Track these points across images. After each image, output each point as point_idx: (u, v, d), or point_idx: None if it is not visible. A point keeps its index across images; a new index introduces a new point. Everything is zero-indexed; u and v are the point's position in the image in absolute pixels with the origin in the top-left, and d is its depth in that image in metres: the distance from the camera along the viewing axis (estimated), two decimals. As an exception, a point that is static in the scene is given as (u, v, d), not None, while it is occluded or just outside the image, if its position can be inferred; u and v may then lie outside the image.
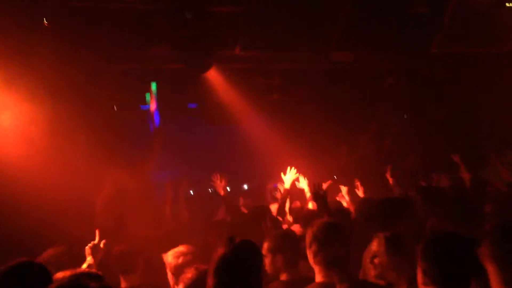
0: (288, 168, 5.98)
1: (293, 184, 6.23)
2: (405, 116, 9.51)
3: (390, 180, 6.43)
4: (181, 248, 3.88)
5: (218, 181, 5.78)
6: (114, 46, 5.89)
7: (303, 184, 6.30)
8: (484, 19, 5.80)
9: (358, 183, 6.43)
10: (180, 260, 3.75)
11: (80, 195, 5.72)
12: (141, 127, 8.26)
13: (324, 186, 6.66)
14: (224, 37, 5.61)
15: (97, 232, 3.71)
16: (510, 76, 7.59)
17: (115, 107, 7.23)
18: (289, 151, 8.44)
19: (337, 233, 3.10)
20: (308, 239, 3.08)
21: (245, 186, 9.25)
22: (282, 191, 6.26)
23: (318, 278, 3.02)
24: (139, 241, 4.46)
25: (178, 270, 3.62)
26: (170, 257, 3.80)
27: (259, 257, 2.71)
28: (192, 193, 8.84)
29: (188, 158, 8.75)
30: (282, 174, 6.02)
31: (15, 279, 2.51)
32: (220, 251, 2.64)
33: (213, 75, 6.90)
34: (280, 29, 5.73)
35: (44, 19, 4.79)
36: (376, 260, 3.08)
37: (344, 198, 6.72)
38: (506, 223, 2.25)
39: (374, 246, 3.20)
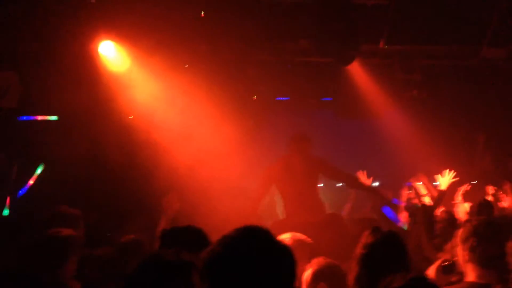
0: (447, 171, 5.81)
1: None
2: None
3: None
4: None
5: (365, 178, 5.82)
6: (259, 38, 6.13)
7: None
8: None
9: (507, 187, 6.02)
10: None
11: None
12: (276, 118, 8.51)
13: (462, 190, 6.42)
14: (369, 31, 5.54)
15: None
16: None
17: (255, 97, 7.51)
18: (425, 150, 8.10)
19: (497, 231, 3.00)
20: (465, 234, 3.00)
21: (377, 183, 9.04)
22: (419, 190, 6.16)
23: (471, 277, 2.91)
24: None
25: None
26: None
27: (405, 246, 2.71)
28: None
29: (319, 150, 8.77)
30: (439, 176, 5.89)
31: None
32: (366, 240, 2.70)
33: (352, 69, 6.86)
34: (427, 22, 5.50)
35: (202, 12, 5.14)
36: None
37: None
38: None
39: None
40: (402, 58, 6.91)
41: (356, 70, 6.84)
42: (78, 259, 3.61)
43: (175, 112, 6.37)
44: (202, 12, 5.27)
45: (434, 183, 6.47)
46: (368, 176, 6.19)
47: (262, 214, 6.93)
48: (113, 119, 6.23)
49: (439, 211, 5.90)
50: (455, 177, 5.85)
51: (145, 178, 6.35)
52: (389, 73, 7.25)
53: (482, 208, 5.15)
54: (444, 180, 5.81)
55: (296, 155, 6.68)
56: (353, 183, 6.59)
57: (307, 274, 3.10)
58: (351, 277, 2.76)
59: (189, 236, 2.79)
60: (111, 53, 5.58)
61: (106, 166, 6.32)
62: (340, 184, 8.75)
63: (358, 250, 2.76)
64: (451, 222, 5.31)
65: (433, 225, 5.31)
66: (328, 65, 6.55)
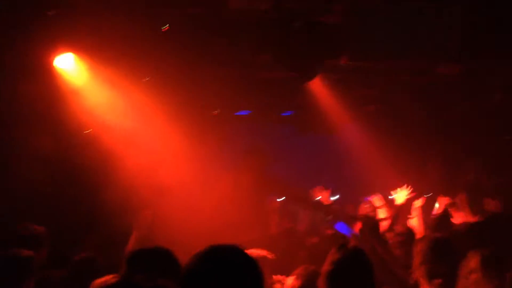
0: (404, 186, 5.92)
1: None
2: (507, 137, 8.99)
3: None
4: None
5: (323, 192, 5.87)
6: (221, 52, 6.12)
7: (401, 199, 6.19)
8: None
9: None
10: None
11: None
12: (236, 132, 8.51)
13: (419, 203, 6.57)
14: (332, 47, 5.63)
15: None
16: None
17: (216, 111, 7.48)
18: (384, 164, 8.28)
19: (444, 249, 3.12)
20: (416, 250, 3.14)
21: (335, 197, 9.13)
22: (376, 205, 6.26)
23: None
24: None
25: None
26: None
27: (371, 263, 2.75)
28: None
29: (279, 165, 8.82)
30: (396, 191, 5.99)
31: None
32: (332, 257, 2.72)
33: (313, 84, 6.93)
34: (387, 38, 5.65)
35: (167, 25, 5.10)
36: (472, 276, 3.05)
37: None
38: None
39: (471, 262, 3.22)
40: (361, 74, 7.07)
41: (317, 85, 6.93)
42: (36, 281, 3.49)
43: (135, 126, 6.27)
44: (166, 26, 5.20)
45: (390, 197, 6.63)
46: (327, 189, 6.24)
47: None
48: (70, 131, 6.06)
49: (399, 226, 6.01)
50: (411, 192, 5.97)
51: (101, 191, 6.20)
52: (348, 88, 7.40)
53: (439, 223, 5.29)
54: (400, 195, 5.92)
55: (246, 170, 6.71)
56: (302, 201, 6.68)
57: (293, 285, 3.12)
58: None
59: (157, 259, 2.72)
60: (69, 66, 5.44)
61: (62, 178, 6.15)
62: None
63: (325, 267, 2.78)
64: (410, 236, 5.41)
65: (381, 239, 5.36)
66: (289, 80, 6.61)
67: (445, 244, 3.26)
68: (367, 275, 2.74)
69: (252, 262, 1.78)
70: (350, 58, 5.79)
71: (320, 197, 6.26)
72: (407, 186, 5.91)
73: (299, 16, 5.33)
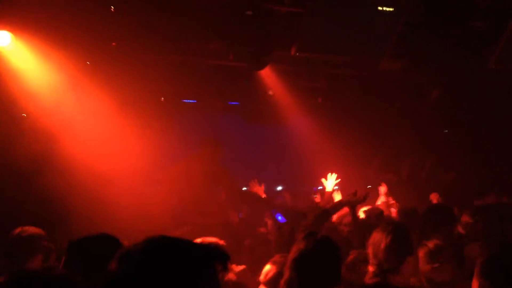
0: (329, 174, 6.06)
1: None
2: (446, 131, 9.42)
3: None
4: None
5: (257, 186, 5.96)
6: (169, 38, 5.99)
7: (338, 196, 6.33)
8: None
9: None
10: None
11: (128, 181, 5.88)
12: (184, 120, 8.38)
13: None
14: (282, 37, 5.64)
15: None
16: None
17: (162, 98, 7.33)
18: (327, 156, 8.44)
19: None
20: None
21: (279, 188, 9.26)
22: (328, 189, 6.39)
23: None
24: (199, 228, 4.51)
25: None
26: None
27: (339, 252, 2.76)
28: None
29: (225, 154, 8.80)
30: (323, 179, 6.12)
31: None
32: (299, 245, 2.72)
33: (261, 74, 6.93)
34: (335, 33, 5.73)
35: (112, 6, 4.90)
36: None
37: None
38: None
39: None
40: (308, 66, 7.14)
41: (265, 76, 6.94)
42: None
43: (78, 109, 6.03)
44: (112, 7, 5.00)
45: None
46: (271, 181, 6.34)
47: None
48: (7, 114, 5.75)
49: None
50: (337, 178, 6.13)
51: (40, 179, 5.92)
52: (295, 80, 7.45)
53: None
54: (329, 182, 6.08)
55: (199, 160, 6.66)
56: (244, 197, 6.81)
57: (269, 272, 3.12)
58: (282, 281, 2.75)
59: (99, 246, 2.61)
60: (7, 45, 5.12)
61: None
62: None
63: (291, 254, 2.77)
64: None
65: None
66: (236, 69, 6.58)
67: (404, 233, 3.34)
68: (333, 264, 2.74)
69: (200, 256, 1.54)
70: (299, 49, 5.81)
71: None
72: (333, 174, 6.06)
73: (250, 4, 5.29)
